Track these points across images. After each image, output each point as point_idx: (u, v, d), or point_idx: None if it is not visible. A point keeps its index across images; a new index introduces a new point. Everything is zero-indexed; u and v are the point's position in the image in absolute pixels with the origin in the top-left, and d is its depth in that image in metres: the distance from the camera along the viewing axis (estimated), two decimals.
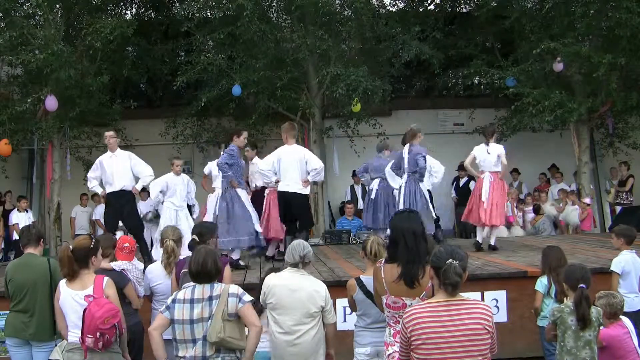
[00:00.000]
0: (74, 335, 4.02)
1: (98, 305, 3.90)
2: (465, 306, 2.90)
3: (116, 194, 7.99)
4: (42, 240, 4.78)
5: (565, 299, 4.47)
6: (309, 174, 7.79)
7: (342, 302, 5.67)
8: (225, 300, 3.57)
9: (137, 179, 8.15)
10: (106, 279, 4.17)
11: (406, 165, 8.04)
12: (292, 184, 7.71)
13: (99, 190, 8.32)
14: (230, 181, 7.55)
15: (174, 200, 8.51)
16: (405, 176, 8.04)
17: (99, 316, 3.84)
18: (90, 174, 8.32)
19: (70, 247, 4.17)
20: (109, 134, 8.19)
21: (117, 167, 8.01)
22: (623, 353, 4.15)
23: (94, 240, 4.30)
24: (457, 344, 2.84)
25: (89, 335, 3.84)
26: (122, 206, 8.02)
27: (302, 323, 4.13)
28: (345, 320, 5.88)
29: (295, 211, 7.79)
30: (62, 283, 4.15)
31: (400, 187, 8.07)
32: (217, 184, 8.47)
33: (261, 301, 4.24)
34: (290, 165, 7.74)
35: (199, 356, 3.54)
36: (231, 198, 7.56)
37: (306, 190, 7.88)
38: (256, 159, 8.82)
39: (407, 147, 8.16)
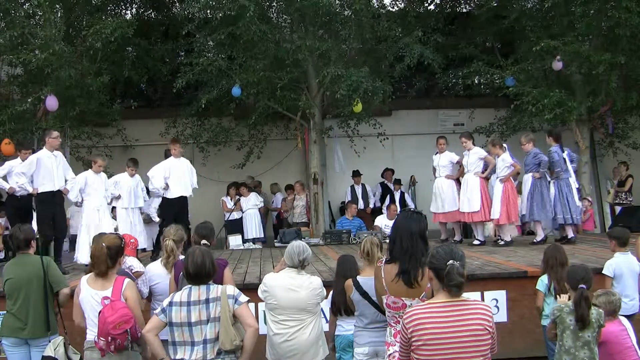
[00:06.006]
0: (92, 333, 4.02)
1: (112, 310, 3.88)
2: (466, 306, 2.89)
3: (53, 193, 8.00)
4: (31, 241, 4.76)
5: (560, 296, 4.49)
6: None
7: None
8: (226, 304, 3.57)
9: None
10: (127, 281, 4.14)
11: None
12: None
13: (30, 188, 8.06)
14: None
15: (94, 198, 8.33)
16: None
17: (110, 321, 3.83)
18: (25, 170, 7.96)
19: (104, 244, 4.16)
20: (57, 134, 8.25)
21: (58, 167, 8.05)
22: (621, 349, 4.14)
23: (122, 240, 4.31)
24: (458, 344, 2.83)
25: (102, 338, 3.86)
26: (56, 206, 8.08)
27: (301, 320, 4.17)
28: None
29: None
30: (84, 280, 4.15)
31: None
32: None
33: (260, 296, 4.27)
34: None
35: (199, 359, 3.54)
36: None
37: None
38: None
39: None
